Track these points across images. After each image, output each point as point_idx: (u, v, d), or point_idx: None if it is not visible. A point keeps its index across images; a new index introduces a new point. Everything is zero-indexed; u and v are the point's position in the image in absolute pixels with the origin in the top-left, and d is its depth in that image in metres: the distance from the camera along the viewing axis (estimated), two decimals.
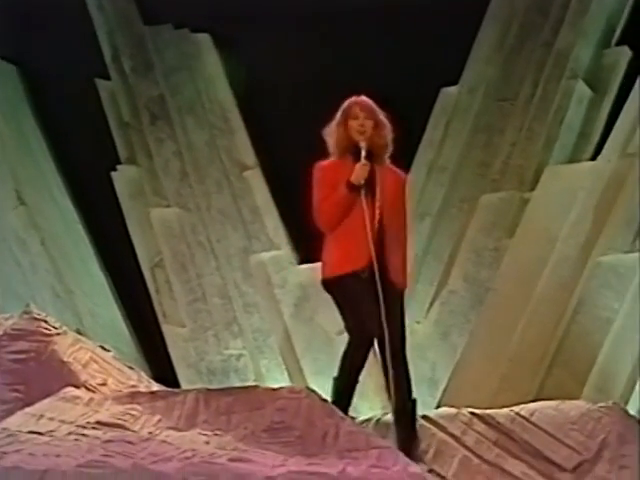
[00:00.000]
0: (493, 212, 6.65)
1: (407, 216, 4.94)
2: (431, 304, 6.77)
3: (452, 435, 4.96)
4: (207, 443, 4.20)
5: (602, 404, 4.95)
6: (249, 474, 3.82)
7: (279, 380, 6.65)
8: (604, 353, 6.06)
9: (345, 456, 4.31)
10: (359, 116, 4.85)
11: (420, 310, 6.79)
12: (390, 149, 4.93)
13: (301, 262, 7.12)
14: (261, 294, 7.13)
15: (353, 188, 4.77)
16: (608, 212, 6.22)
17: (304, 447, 4.34)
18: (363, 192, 4.74)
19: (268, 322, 7.09)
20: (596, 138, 6.56)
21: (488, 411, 4.93)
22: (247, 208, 7.23)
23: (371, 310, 4.71)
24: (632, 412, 5.36)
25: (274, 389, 4.66)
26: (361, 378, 6.85)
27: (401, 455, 4.40)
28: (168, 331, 7.28)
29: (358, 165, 4.78)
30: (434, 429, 5.00)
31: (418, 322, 6.78)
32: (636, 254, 6.14)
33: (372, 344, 4.83)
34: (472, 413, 4.97)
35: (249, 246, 7.20)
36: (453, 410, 5.08)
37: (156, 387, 5.37)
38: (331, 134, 4.92)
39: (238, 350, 7.12)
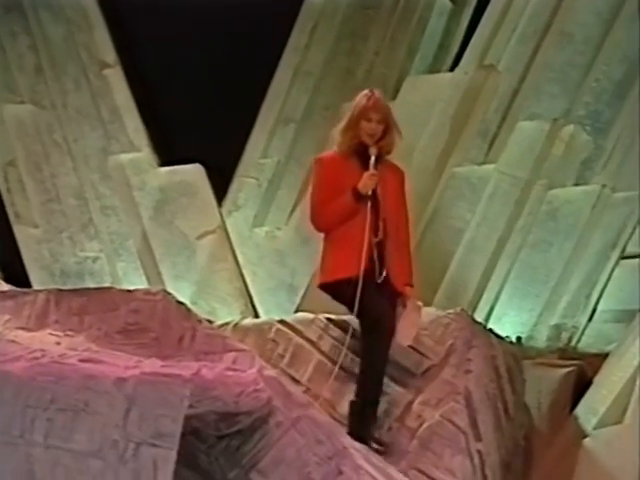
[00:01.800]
0: None
1: (407, 214, 4.85)
2: (292, 211, 6.80)
3: (308, 340, 5.03)
4: (58, 344, 4.14)
5: (451, 311, 5.10)
6: (100, 375, 3.78)
7: (137, 284, 6.59)
8: (455, 262, 6.23)
9: (201, 359, 4.33)
10: (372, 119, 4.74)
11: (281, 216, 6.82)
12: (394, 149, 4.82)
13: (162, 165, 7.02)
14: (119, 196, 7.01)
15: (360, 197, 4.65)
16: (464, 124, 6.34)
17: (159, 349, 4.32)
18: (369, 203, 4.63)
19: (126, 225, 6.99)
20: (455, 49, 6.65)
21: (344, 317, 5.00)
22: (106, 107, 7.05)
23: (375, 301, 4.63)
24: (479, 319, 5.57)
25: (129, 291, 4.62)
26: (220, 283, 6.89)
27: (257, 358, 4.44)
28: (20, 232, 7.11)
29: (367, 175, 4.66)
30: (291, 334, 5.06)
31: (279, 228, 6.82)
32: (489, 166, 6.29)
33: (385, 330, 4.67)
34: (328, 319, 5.05)
35: (108, 147, 7.06)
36: (310, 315, 5.15)
37: (6, 287, 5.24)
38: (341, 132, 4.78)
39: (94, 253, 7.02)
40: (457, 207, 6.29)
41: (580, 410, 5.15)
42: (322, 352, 4.99)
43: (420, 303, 4.86)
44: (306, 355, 4.99)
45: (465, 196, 6.30)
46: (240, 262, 6.84)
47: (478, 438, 4.84)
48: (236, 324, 5.24)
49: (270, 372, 4.38)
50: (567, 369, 5.54)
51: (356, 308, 4.63)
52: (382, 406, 4.83)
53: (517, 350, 5.48)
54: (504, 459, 4.99)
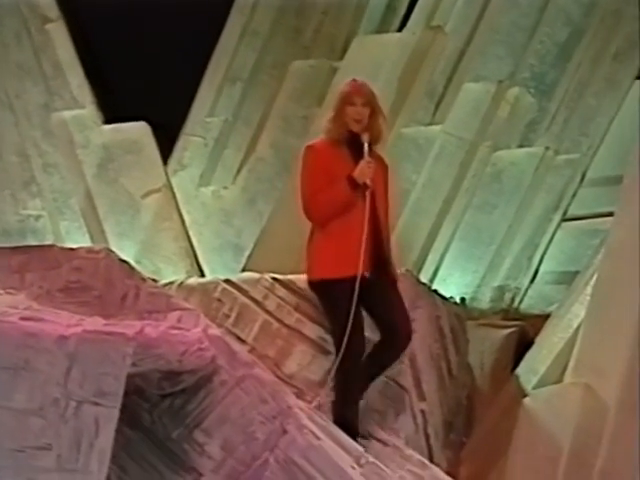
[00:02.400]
0: (303, 79, 6.66)
1: (389, 205, 4.78)
2: (239, 170, 6.78)
3: (254, 299, 5.03)
4: None
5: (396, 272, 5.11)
6: (41, 333, 3.74)
7: (80, 242, 6.53)
8: (401, 223, 6.25)
9: (145, 317, 4.30)
10: (356, 103, 4.66)
11: (228, 176, 6.80)
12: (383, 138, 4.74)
13: (106, 122, 6.93)
14: (62, 154, 6.92)
15: (355, 185, 4.57)
16: (411, 84, 6.34)
17: (102, 307, 4.29)
18: (368, 193, 4.56)
19: (69, 183, 6.92)
20: (403, 10, 6.65)
21: (289, 277, 5.00)
22: (49, 63, 6.93)
23: (359, 322, 4.54)
24: (424, 280, 5.61)
25: (71, 249, 4.56)
26: (165, 242, 6.86)
27: (202, 317, 4.43)
28: None
29: (363, 163, 4.57)
30: (236, 293, 5.05)
31: (225, 188, 6.80)
32: (435, 127, 6.31)
33: (360, 357, 4.58)
34: (274, 278, 5.04)
35: (50, 103, 6.95)
36: (256, 275, 5.14)
37: None
38: (330, 120, 4.69)
39: (37, 211, 6.93)
40: (403, 168, 6.31)
41: (521, 370, 5.23)
42: (268, 312, 4.99)
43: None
44: (251, 314, 4.99)
45: (411, 157, 6.32)
46: (186, 221, 6.80)
47: (422, 398, 4.89)
48: (181, 283, 5.21)
49: (215, 331, 4.37)
50: (509, 330, 5.62)
51: (349, 327, 4.51)
52: (326, 366, 4.86)
53: (461, 311, 5.54)
54: (447, 418, 5.06)
